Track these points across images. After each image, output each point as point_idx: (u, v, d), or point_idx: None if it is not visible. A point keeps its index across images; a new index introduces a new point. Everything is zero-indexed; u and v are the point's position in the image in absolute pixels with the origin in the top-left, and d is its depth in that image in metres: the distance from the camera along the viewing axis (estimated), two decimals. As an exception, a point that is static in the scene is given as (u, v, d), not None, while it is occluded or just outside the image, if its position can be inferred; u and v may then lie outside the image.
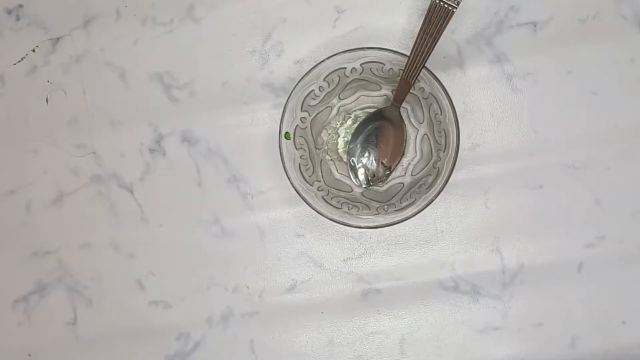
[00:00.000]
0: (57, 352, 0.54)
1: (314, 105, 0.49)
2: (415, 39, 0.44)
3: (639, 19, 0.49)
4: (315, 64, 0.46)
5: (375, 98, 0.50)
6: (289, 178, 0.46)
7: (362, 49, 0.46)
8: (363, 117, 0.49)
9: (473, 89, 0.50)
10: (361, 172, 0.49)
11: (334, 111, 0.50)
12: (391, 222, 0.46)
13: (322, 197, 0.48)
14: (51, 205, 0.53)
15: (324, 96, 0.49)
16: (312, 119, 0.49)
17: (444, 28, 0.43)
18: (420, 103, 0.49)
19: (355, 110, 0.50)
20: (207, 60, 0.52)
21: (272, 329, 0.52)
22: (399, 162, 0.49)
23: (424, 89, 0.47)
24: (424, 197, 0.46)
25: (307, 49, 0.51)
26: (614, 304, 0.50)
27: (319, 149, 0.50)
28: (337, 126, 0.50)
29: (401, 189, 0.50)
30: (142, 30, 0.52)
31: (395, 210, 0.47)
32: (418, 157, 0.50)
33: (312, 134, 0.50)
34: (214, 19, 0.52)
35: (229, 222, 0.52)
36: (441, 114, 0.46)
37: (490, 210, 0.51)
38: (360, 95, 0.50)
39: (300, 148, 0.48)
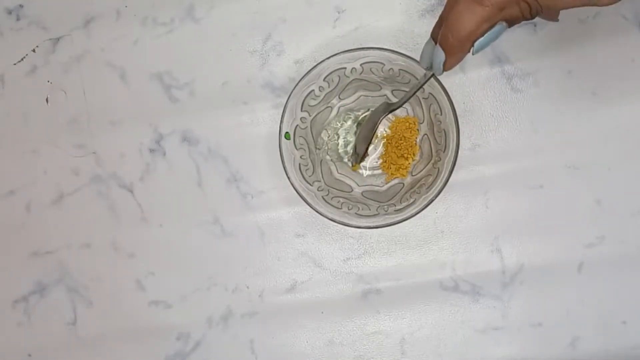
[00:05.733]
0: (57, 352, 0.54)
1: (314, 105, 0.49)
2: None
3: (639, 19, 0.49)
4: (315, 64, 0.46)
5: (375, 98, 0.50)
6: (289, 178, 0.46)
7: (362, 49, 0.45)
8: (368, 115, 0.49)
9: (473, 89, 0.50)
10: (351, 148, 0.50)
11: (334, 111, 0.50)
12: (391, 222, 0.46)
13: (322, 197, 0.48)
14: (51, 205, 0.53)
15: (324, 96, 0.49)
16: (312, 119, 0.49)
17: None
18: (420, 103, 0.49)
19: (355, 111, 0.50)
20: (207, 60, 0.52)
21: (272, 329, 0.52)
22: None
23: (424, 89, 0.47)
24: (424, 197, 0.46)
25: (307, 49, 0.51)
26: (614, 304, 0.50)
27: (319, 149, 0.50)
28: (338, 126, 0.50)
29: (401, 189, 0.49)
30: (142, 30, 0.52)
31: (395, 210, 0.47)
32: (418, 157, 0.50)
33: (312, 134, 0.50)
34: (214, 19, 0.52)
35: (229, 222, 0.52)
36: (441, 114, 0.46)
37: (490, 210, 0.51)
38: (360, 95, 0.50)
39: (300, 148, 0.48)
